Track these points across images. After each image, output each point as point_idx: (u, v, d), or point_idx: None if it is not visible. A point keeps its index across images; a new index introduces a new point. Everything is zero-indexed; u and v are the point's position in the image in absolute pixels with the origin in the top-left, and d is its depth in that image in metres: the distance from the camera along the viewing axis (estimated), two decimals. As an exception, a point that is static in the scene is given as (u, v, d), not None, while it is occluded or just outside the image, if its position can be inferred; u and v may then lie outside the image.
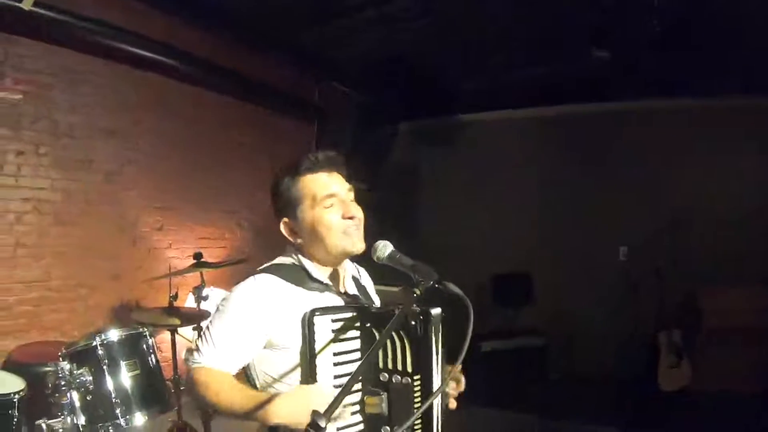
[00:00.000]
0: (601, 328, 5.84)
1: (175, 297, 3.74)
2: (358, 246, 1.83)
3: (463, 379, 1.90)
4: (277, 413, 1.55)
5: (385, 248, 1.71)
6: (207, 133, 5.03)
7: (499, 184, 6.33)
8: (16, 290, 3.58)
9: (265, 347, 1.74)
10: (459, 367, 1.86)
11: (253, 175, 5.54)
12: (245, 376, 1.81)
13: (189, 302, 4.20)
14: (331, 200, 1.79)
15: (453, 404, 1.86)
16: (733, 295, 5.11)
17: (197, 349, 1.73)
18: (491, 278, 6.20)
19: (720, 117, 5.47)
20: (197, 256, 3.76)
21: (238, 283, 1.78)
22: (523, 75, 5.53)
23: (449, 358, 1.62)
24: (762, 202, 5.33)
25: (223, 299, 1.78)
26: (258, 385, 1.79)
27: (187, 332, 3.99)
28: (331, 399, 1.52)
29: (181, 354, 4.34)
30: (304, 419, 1.50)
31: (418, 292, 1.52)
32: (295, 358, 1.72)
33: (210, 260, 4.96)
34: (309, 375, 1.65)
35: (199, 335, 1.79)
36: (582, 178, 5.99)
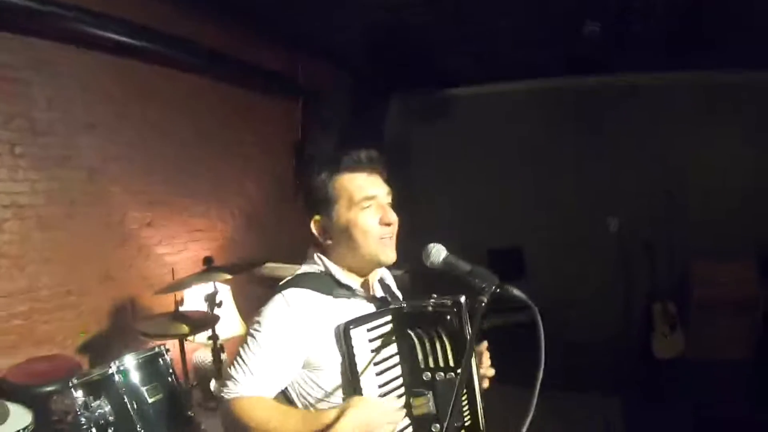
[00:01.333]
0: (596, 300, 5.88)
1: (182, 302, 3.57)
2: (391, 257, 1.79)
3: (487, 355, 1.90)
4: (340, 429, 1.50)
5: (438, 253, 1.65)
6: (196, 121, 4.76)
7: (491, 158, 6.26)
8: (2, 305, 3.32)
9: (302, 367, 1.69)
10: (485, 344, 1.90)
11: (242, 161, 5.34)
12: (283, 395, 1.74)
13: (192, 302, 3.99)
14: (369, 202, 1.74)
15: (486, 384, 1.87)
16: (722, 267, 5.21)
17: (231, 378, 1.64)
18: (485, 253, 6.11)
19: (714, 91, 5.49)
20: (207, 261, 3.60)
21: (257, 295, 1.82)
22: (515, 47, 5.35)
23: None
24: (753, 177, 5.40)
25: (254, 321, 1.70)
26: (298, 404, 1.74)
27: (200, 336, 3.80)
28: (388, 408, 1.62)
29: (192, 358, 4.22)
30: (367, 430, 1.55)
31: (484, 300, 1.46)
32: (335, 375, 1.68)
33: (203, 253, 4.83)
34: (354, 390, 1.62)
35: (232, 363, 1.69)
36: (574, 151, 5.95)
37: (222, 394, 1.64)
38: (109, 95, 3.99)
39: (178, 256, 4.58)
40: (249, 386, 1.60)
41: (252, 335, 1.67)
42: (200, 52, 4.46)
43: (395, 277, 2.06)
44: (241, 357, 1.65)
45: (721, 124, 5.53)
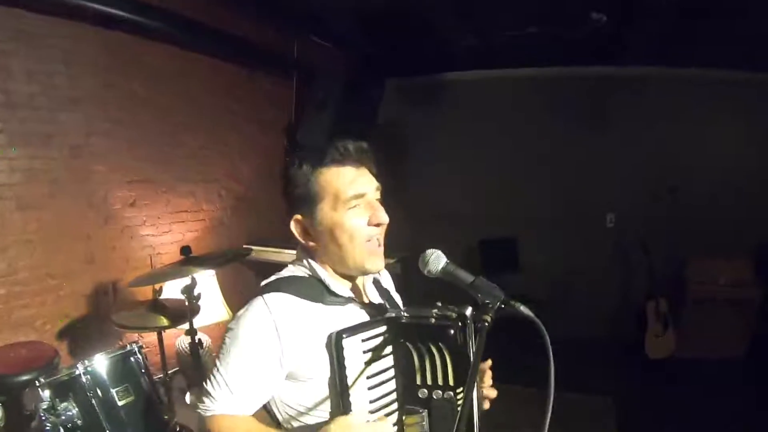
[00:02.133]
0: (590, 296, 5.85)
1: (160, 291, 3.45)
2: (379, 266, 1.63)
3: (490, 374, 1.74)
4: None
5: (437, 260, 1.51)
6: (182, 96, 4.59)
7: (487, 146, 6.14)
8: (-22, 289, 3.21)
9: (286, 379, 1.54)
10: (489, 363, 1.74)
11: (232, 139, 5.21)
12: (265, 409, 1.62)
13: (173, 290, 3.84)
14: (357, 201, 1.56)
15: (487, 405, 1.72)
16: (717, 266, 5.19)
17: (207, 395, 1.51)
18: (479, 243, 6.05)
19: (719, 88, 5.38)
20: (185, 250, 3.35)
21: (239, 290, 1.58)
22: (516, 34, 5.19)
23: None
24: (753, 176, 5.35)
25: (230, 329, 1.54)
26: (280, 419, 1.61)
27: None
28: (377, 428, 1.48)
29: (175, 345, 4.14)
30: None
31: (488, 320, 1.32)
32: (322, 388, 1.54)
33: (189, 235, 4.73)
34: (342, 405, 1.48)
35: (208, 377, 1.54)
36: (573, 142, 5.84)
37: (198, 411, 1.54)
38: (94, 69, 3.83)
39: (162, 237, 4.48)
40: (227, 404, 1.49)
41: (228, 346, 1.52)
42: (189, 25, 4.28)
43: (387, 266, 1.87)
44: (218, 371, 1.51)
45: (725, 122, 5.47)
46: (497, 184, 6.13)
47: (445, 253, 1.51)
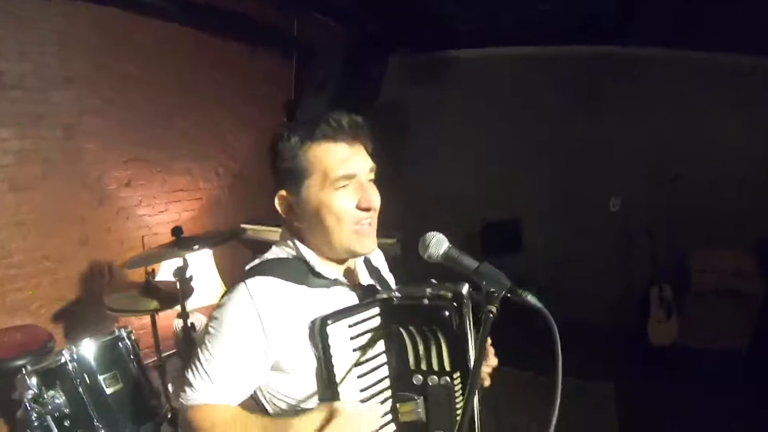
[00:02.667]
0: (593, 280, 5.83)
1: (153, 274, 3.44)
2: (369, 247, 1.53)
3: (493, 351, 1.67)
4: None
5: (438, 245, 1.39)
6: (177, 74, 4.52)
7: (491, 126, 6.03)
8: (-28, 272, 3.24)
9: (272, 369, 1.47)
10: (489, 341, 1.63)
11: (229, 116, 5.14)
12: (253, 400, 1.54)
13: (167, 272, 3.83)
14: (347, 182, 1.45)
15: (487, 382, 1.68)
16: (721, 257, 5.12)
17: (189, 385, 1.43)
18: (481, 224, 6.03)
19: (725, 75, 5.22)
20: (176, 231, 3.28)
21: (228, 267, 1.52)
22: (522, 11, 5.06)
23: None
24: (760, 166, 5.23)
25: (212, 317, 1.46)
26: (269, 410, 1.53)
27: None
28: (366, 420, 1.42)
29: (172, 325, 4.15)
30: None
31: (493, 311, 1.23)
32: (310, 378, 1.46)
33: (185, 214, 4.73)
34: (331, 395, 1.40)
35: (190, 366, 1.46)
36: (577, 124, 5.73)
37: (180, 400, 1.46)
38: (86, 47, 3.79)
39: (158, 217, 4.48)
40: (207, 394, 1.42)
41: (210, 334, 1.44)
42: (185, 1, 4.20)
43: (385, 247, 1.75)
44: (199, 360, 1.43)
45: (730, 110, 5.31)
46: (500, 165, 6.05)
47: (447, 237, 1.41)
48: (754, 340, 4.94)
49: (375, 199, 1.49)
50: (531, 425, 3.72)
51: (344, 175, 1.44)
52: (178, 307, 3.35)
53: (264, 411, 1.54)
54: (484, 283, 1.29)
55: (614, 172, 5.65)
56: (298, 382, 1.47)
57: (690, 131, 5.32)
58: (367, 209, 1.48)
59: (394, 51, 6.12)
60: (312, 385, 1.47)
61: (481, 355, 1.19)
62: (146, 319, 3.98)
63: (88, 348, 2.38)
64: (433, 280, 1.46)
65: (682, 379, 4.64)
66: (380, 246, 1.69)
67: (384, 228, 1.56)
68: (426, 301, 1.40)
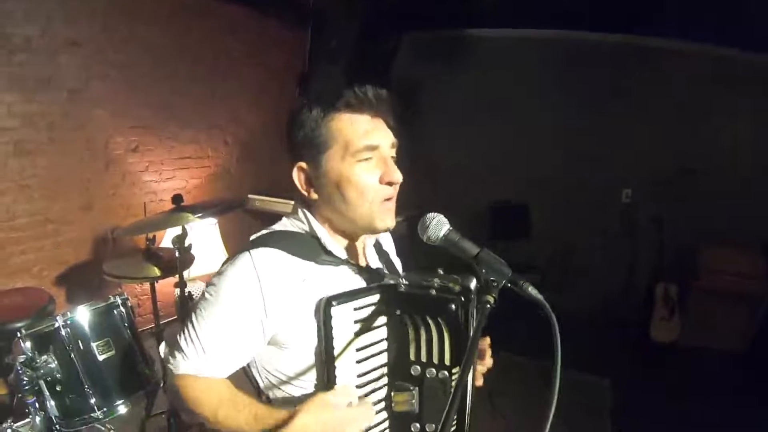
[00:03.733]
0: (598, 271, 5.82)
1: (153, 241, 3.48)
2: (389, 224, 1.49)
3: (489, 353, 1.66)
4: None
5: (439, 227, 1.36)
6: (188, 40, 4.52)
7: (504, 108, 5.94)
8: (-24, 234, 3.31)
9: (269, 344, 1.45)
10: (487, 341, 1.66)
11: (240, 86, 5.14)
12: (245, 373, 1.55)
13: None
14: (370, 153, 1.43)
15: (480, 381, 1.65)
16: (729, 257, 5.06)
17: (180, 351, 1.42)
18: (489, 207, 6.00)
19: (747, 72, 5.08)
20: (176, 199, 3.26)
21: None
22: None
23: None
24: None
25: (211, 284, 1.44)
26: (261, 385, 1.53)
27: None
28: (357, 411, 1.38)
29: (173, 291, 4.20)
30: None
31: (491, 301, 1.19)
32: (307, 356, 1.45)
33: (192, 182, 4.77)
34: (327, 377, 1.40)
35: (181, 331, 1.44)
36: (594, 112, 5.64)
37: (169, 366, 1.44)
38: (93, 10, 3.79)
39: (164, 184, 4.53)
40: (199, 365, 1.40)
41: (207, 301, 1.42)
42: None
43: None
44: (192, 327, 1.41)
45: (754, 111, 5.16)
46: (512, 147, 5.97)
47: (453, 218, 1.38)
48: (756, 342, 4.92)
49: (397, 174, 1.46)
50: (526, 412, 3.74)
51: (366, 146, 1.42)
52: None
53: (256, 385, 1.54)
54: (483, 270, 1.26)
55: (627, 164, 5.56)
56: (294, 358, 1.46)
57: (707, 128, 5.21)
58: (390, 184, 1.45)
59: (409, 26, 6.03)
60: (307, 363, 1.45)
61: (474, 344, 1.15)
62: (148, 286, 4.06)
63: (83, 314, 2.39)
64: (440, 270, 1.42)
65: (681, 377, 4.65)
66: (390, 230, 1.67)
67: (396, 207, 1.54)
68: (433, 292, 1.37)
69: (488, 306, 1.18)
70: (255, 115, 5.32)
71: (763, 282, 4.86)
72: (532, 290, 1.23)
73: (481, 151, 6.02)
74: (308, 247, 1.47)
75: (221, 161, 5.11)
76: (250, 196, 4.94)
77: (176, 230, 3.20)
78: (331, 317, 1.36)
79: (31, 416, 2.17)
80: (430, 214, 1.37)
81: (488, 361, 1.65)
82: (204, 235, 4.28)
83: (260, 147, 5.35)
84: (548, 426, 1.04)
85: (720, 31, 4.67)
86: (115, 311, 2.56)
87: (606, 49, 5.46)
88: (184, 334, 1.43)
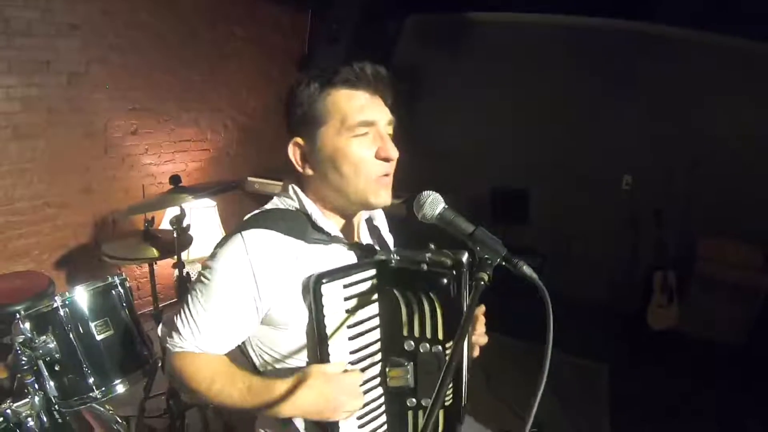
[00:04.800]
0: (596, 257, 5.86)
1: (151, 222, 3.53)
2: (385, 200, 1.51)
3: (483, 321, 1.68)
4: (290, 407, 1.36)
5: (434, 205, 1.36)
6: (188, 22, 4.55)
7: (504, 93, 5.93)
8: (-25, 218, 3.38)
9: (262, 323, 1.49)
10: (482, 309, 1.68)
11: (240, 69, 5.16)
12: (240, 350, 1.58)
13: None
14: (366, 129, 1.44)
15: (476, 352, 1.69)
16: (730, 248, 5.09)
17: (177, 331, 1.47)
18: (488, 191, 6.02)
19: (755, 63, 5.03)
20: (174, 179, 3.33)
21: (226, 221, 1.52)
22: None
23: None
24: None
25: (205, 266, 1.47)
26: (257, 363, 1.57)
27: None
28: (352, 380, 1.42)
29: (172, 273, 4.26)
30: (324, 410, 1.40)
31: (485, 279, 1.18)
32: (300, 335, 1.48)
33: (192, 165, 4.82)
34: (320, 355, 1.42)
35: (178, 313, 1.49)
36: (596, 98, 5.61)
37: (167, 345, 1.50)
38: (92, -7, 3.80)
39: (163, 167, 4.59)
40: (195, 344, 1.45)
41: (202, 283, 1.45)
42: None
43: (391, 208, 1.74)
44: (188, 308, 1.46)
45: (760, 100, 5.11)
46: (513, 132, 5.98)
47: (453, 200, 1.38)
48: (753, 334, 4.94)
49: (393, 150, 1.47)
50: (525, 396, 3.78)
51: (362, 121, 1.43)
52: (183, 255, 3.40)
53: (250, 362, 1.58)
54: (478, 248, 1.27)
55: (629, 152, 5.55)
56: (288, 337, 1.49)
57: (712, 119, 5.16)
58: (386, 159, 1.47)
59: (411, 9, 6.02)
60: (302, 342, 1.48)
61: (468, 320, 1.14)
62: (148, 269, 4.12)
63: (81, 294, 2.41)
64: (433, 245, 1.43)
65: (677, 365, 4.68)
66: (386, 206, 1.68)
67: (393, 186, 1.55)
68: (425, 267, 1.38)
69: (483, 284, 1.18)
70: (255, 98, 5.36)
71: (763, 274, 4.88)
72: (527, 269, 1.23)
73: (482, 136, 6.01)
74: (299, 226, 1.50)
75: (221, 144, 5.16)
76: (249, 178, 4.98)
77: (174, 210, 3.29)
78: (321, 295, 1.38)
79: (30, 396, 2.20)
80: (426, 192, 1.38)
81: (482, 330, 1.68)
82: (203, 218, 4.35)
83: (260, 130, 5.39)
84: (539, 395, 1.04)
85: (726, 20, 4.64)
86: (113, 291, 2.57)
87: (610, 36, 5.41)
88: (180, 315, 1.48)
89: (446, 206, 1.36)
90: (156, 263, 3.48)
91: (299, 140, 1.50)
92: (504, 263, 1.24)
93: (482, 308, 1.68)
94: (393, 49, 5.94)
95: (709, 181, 5.16)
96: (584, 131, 5.68)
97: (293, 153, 1.52)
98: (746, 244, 5.08)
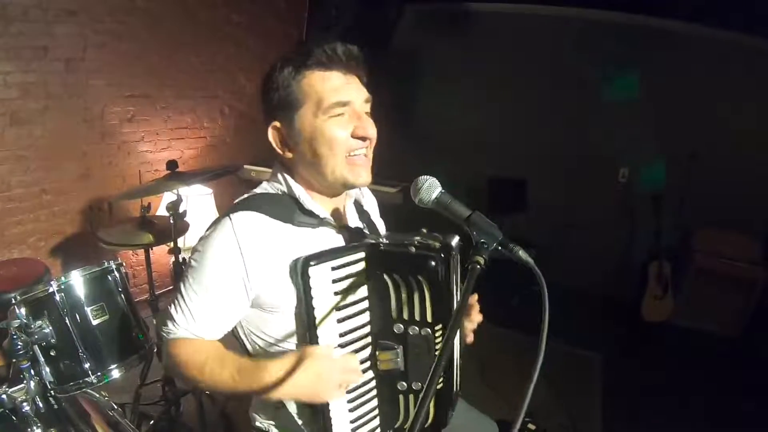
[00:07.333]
0: (593, 248, 5.90)
1: (148, 209, 3.55)
2: (364, 178, 1.54)
3: (477, 308, 1.72)
4: (281, 389, 1.37)
5: (431, 189, 1.37)
6: (185, 8, 4.56)
7: (504, 82, 5.95)
8: (-29, 205, 3.41)
9: (252, 306, 1.52)
10: (476, 297, 1.70)
11: (237, 55, 5.17)
12: (233, 335, 1.62)
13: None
14: (341, 109, 1.47)
15: (470, 339, 1.73)
16: (726, 240, 5.13)
17: (171, 319, 1.51)
18: (486, 180, 6.04)
19: (757, 58, 5.06)
20: (171, 165, 3.34)
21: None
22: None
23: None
24: None
25: (195, 251, 1.51)
26: (249, 348, 1.61)
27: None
28: (343, 364, 1.43)
29: (168, 261, 4.29)
30: (314, 392, 1.42)
31: (481, 262, 1.19)
32: (290, 319, 1.51)
33: (188, 152, 4.84)
34: (309, 338, 1.44)
35: (173, 300, 1.53)
36: (595, 89, 5.62)
37: (162, 333, 1.54)
38: (89, -22, 3.82)
39: (160, 154, 4.62)
40: (188, 330, 1.49)
41: (193, 267, 1.49)
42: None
43: (388, 195, 1.71)
44: (181, 295, 1.49)
45: (760, 93, 5.12)
46: (512, 122, 6.01)
47: (442, 183, 1.39)
48: (747, 326, 5.01)
49: (371, 128, 1.50)
50: (519, 386, 3.80)
51: (338, 101, 1.46)
52: (180, 242, 3.43)
53: (243, 347, 1.62)
54: (474, 233, 1.27)
55: (629, 142, 5.57)
56: (278, 321, 1.52)
57: (711, 112, 5.21)
58: (363, 138, 1.49)
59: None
60: (291, 325, 1.51)
61: (463, 306, 1.15)
62: (144, 257, 4.14)
63: (77, 279, 2.43)
64: (424, 230, 1.44)
65: (671, 357, 4.76)
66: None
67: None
68: (413, 250, 1.39)
69: (478, 268, 1.18)
70: (252, 85, 5.37)
71: (758, 266, 4.93)
72: (522, 253, 1.24)
73: (480, 125, 6.02)
74: (287, 209, 1.53)
75: (218, 131, 5.19)
76: (246, 166, 5.00)
77: (171, 197, 3.30)
78: (309, 277, 1.39)
79: (25, 382, 2.22)
80: (423, 177, 1.39)
81: (476, 317, 1.71)
82: (200, 205, 4.38)
83: (257, 117, 5.30)
84: (533, 382, 1.03)
85: (728, 14, 4.65)
86: (109, 276, 2.58)
87: (610, 27, 5.43)
88: (174, 302, 1.52)
89: (443, 191, 1.38)
90: (152, 250, 3.50)
91: (277, 124, 1.54)
92: (500, 247, 1.25)
93: (475, 296, 1.70)
94: (392, 36, 5.92)
95: (706, 174, 5.18)
96: (584, 122, 5.70)
97: (273, 137, 1.57)
98: (742, 235, 5.13)
